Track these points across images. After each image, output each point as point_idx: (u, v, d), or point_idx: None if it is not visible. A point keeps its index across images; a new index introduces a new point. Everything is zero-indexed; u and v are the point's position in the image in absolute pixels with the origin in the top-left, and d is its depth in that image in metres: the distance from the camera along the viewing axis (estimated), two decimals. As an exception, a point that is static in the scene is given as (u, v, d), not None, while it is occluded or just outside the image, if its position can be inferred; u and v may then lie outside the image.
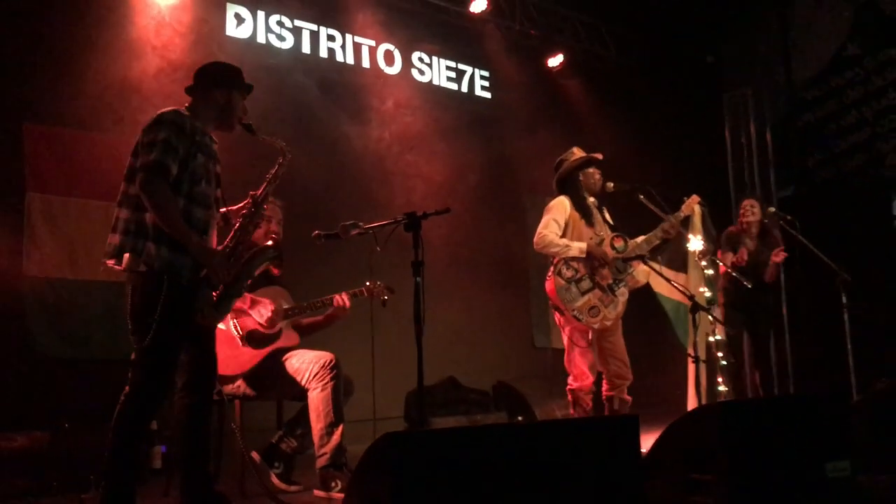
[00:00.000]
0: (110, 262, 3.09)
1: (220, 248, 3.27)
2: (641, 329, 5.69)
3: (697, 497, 2.92)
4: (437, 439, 2.21)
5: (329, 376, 3.76)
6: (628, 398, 4.72)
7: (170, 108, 3.17)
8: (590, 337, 4.64)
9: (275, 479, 3.94)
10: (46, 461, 4.14)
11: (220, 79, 3.35)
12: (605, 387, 4.73)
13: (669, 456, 3.09)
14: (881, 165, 8.29)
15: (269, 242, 4.06)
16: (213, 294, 3.17)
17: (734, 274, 5.16)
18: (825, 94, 8.78)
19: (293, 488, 3.96)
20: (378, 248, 3.54)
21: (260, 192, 3.43)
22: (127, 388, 3.03)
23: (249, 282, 3.42)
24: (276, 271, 4.02)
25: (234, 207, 3.51)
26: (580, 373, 4.64)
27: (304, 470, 4.10)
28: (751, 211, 5.90)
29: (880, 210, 7.85)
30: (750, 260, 5.64)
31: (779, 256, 5.60)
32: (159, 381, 3.06)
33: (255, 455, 3.94)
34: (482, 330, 7.40)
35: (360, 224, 3.55)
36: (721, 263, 5.49)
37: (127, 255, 3.00)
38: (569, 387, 4.72)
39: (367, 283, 4.16)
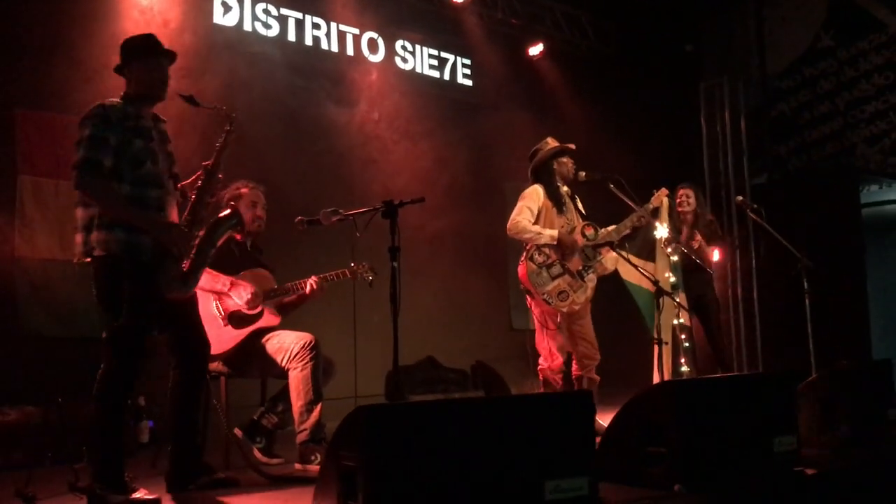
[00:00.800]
0: (86, 259, 3.23)
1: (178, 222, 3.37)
2: (610, 314, 5.91)
3: (652, 468, 3.14)
4: (406, 412, 2.40)
5: (309, 356, 3.92)
6: (596, 378, 4.96)
7: (95, 104, 3.26)
8: (558, 320, 4.86)
9: (257, 453, 4.15)
10: (40, 434, 4.31)
11: (134, 52, 3.37)
12: (574, 367, 4.96)
13: (627, 430, 3.31)
14: (852, 155, 8.54)
15: (256, 226, 4.29)
16: (182, 267, 3.28)
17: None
18: (799, 83, 9.01)
19: (275, 461, 4.16)
20: (358, 234, 3.72)
21: (212, 162, 3.48)
22: (101, 367, 3.17)
23: (213, 252, 3.49)
24: (238, 237, 4.12)
25: (188, 181, 3.54)
26: (549, 354, 4.87)
27: (285, 444, 4.28)
28: (686, 200, 6.02)
29: (849, 199, 8.09)
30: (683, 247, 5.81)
31: (695, 242, 5.77)
32: (130, 358, 3.18)
33: (237, 431, 4.13)
34: (462, 312, 7.60)
35: (341, 211, 3.73)
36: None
37: (85, 245, 3.16)
38: (539, 367, 4.95)
39: (352, 265, 4.32)
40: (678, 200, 6.02)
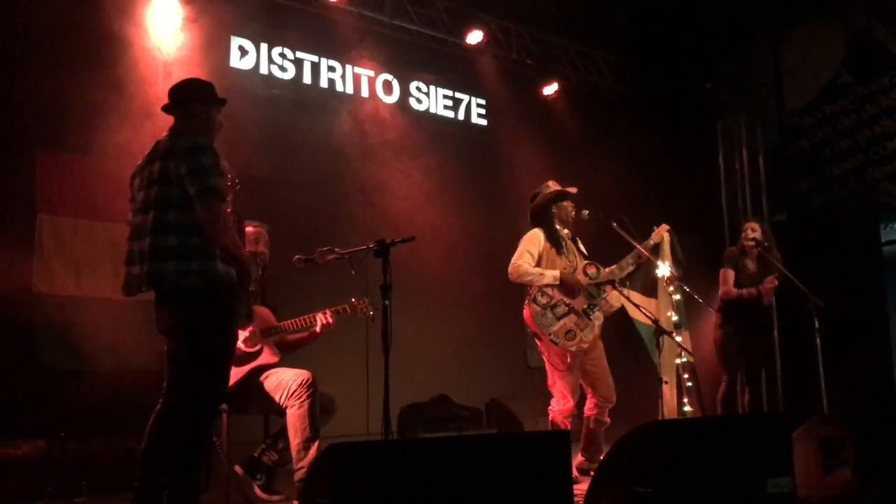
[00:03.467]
0: (138, 291, 3.29)
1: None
2: (618, 351, 5.88)
3: (640, 509, 3.12)
4: (376, 451, 2.43)
5: (306, 394, 3.96)
6: (607, 420, 4.94)
7: (191, 134, 3.33)
8: (568, 360, 4.84)
9: (257, 490, 4.18)
10: (44, 468, 4.41)
11: (197, 94, 3.50)
12: (588, 405, 4.93)
13: (616, 469, 3.30)
14: (875, 191, 8.44)
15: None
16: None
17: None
18: (819, 120, 8.94)
19: (275, 498, 4.19)
20: (353, 272, 3.79)
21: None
22: (183, 402, 3.25)
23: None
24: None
25: None
26: (561, 396, 4.84)
27: (286, 480, 4.29)
28: (753, 233, 5.86)
29: (870, 236, 7.99)
30: (750, 281, 5.69)
31: (770, 283, 5.61)
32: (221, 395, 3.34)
33: (237, 468, 4.17)
34: (476, 349, 7.61)
35: (336, 249, 3.82)
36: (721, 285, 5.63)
37: (178, 275, 3.18)
38: (550, 408, 4.93)
39: (353, 300, 4.39)
40: (743, 234, 5.91)
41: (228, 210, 3.56)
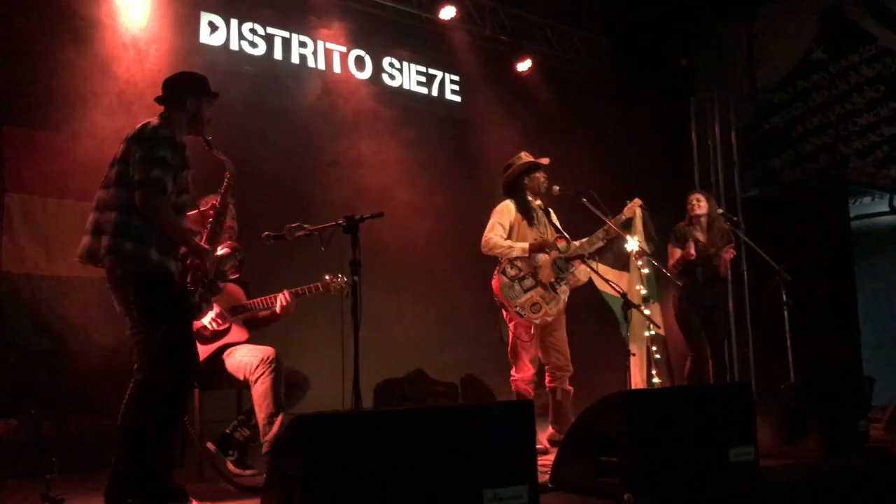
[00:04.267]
0: (88, 263, 3.33)
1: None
2: (587, 324, 5.95)
3: (605, 478, 3.18)
4: (344, 422, 2.46)
5: (268, 370, 3.96)
6: (570, 388, 5.02)
7: (158, 123, 3.38)
8: (532, 332, 4.92)
9: (230, 465, 4.21)
10: (17, 446, 4.40)
11: (189, 87, 3.56)
12: (547, 378, 5.02)
13: (582, 440, 3.36)
14: (845, 167, 8.55)
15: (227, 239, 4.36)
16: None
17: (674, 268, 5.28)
18: (792, 97, 9.04)
19: (248, 473, 4.22)
20: (323, 248, 3.80)
21: (219, 204, 3.69)
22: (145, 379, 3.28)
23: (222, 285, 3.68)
24: (235, 275, 4.28)
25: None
26: (522, 365, 4.93)
27: (261, 456, 4.34)
28: (697, 204, 5.91)
29: (839, 211, 8.10)
30: (700, 253, 5.69)
31: (729, 254, 5.66)
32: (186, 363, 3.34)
33: (210, 445, 4.19)
34: (452, 324, 7.62)
35: (305, 226, 3.82)
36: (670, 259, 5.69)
37: (116, 256, 3.22)
38: (511, 378, 5.01)
39: (326, 277, 4.38)
40: (689, 206, 5.94)
41: (212, 202, 3.70)
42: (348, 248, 3.71)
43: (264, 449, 3.93)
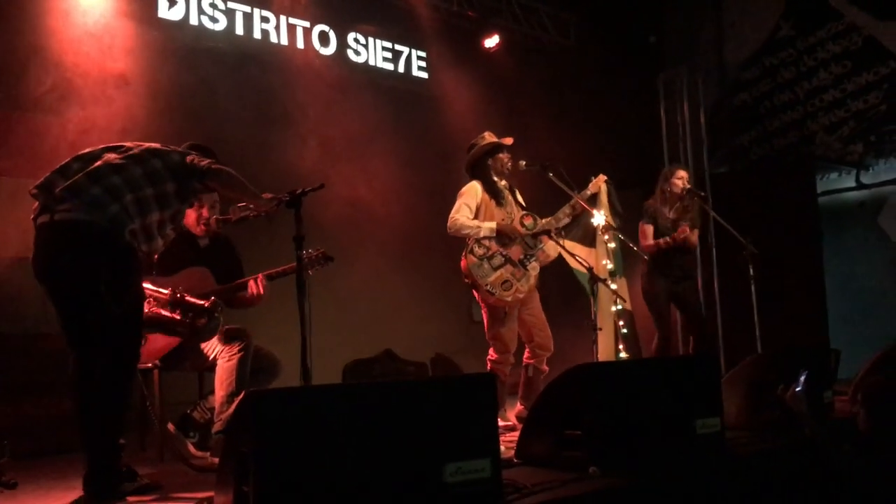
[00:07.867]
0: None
1: None
2: (555, 299, 5.92)
3: (569, 452, 3.15)
4: (298, 397, 2.39)
5: (238, 348, 3.89)
6: (545, 368, 4.98)
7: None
8: (506, 311, 4.86)
9: (191, 447, 4.09)
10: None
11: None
12: (526, 354, 4.98)
13: (546, 414, 3.32)
14: (812, 143, 8.59)
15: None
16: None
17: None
18: (760, 73, 9.05)
19: (209, 454, 4.12)
20: (269, 221, 3.71)
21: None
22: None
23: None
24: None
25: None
26: (499, 345, 4.88)
27: (221, 436, 4.27)
28: (682, 180, 5.80)
29: (807, 187, 8.14)
30: (671, 230, 5.66)
31: (682, 234, 5.57)
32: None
33: (170, 426, 4.09)
34: (421, 304, 7.57)
35: (251, 206, 3.71)
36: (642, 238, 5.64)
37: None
38: (489, 358, 4.96)
39: (307, 251, 4.27)
40: (673, 181, 5.81)
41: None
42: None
43: (216, 428, 3.84)
